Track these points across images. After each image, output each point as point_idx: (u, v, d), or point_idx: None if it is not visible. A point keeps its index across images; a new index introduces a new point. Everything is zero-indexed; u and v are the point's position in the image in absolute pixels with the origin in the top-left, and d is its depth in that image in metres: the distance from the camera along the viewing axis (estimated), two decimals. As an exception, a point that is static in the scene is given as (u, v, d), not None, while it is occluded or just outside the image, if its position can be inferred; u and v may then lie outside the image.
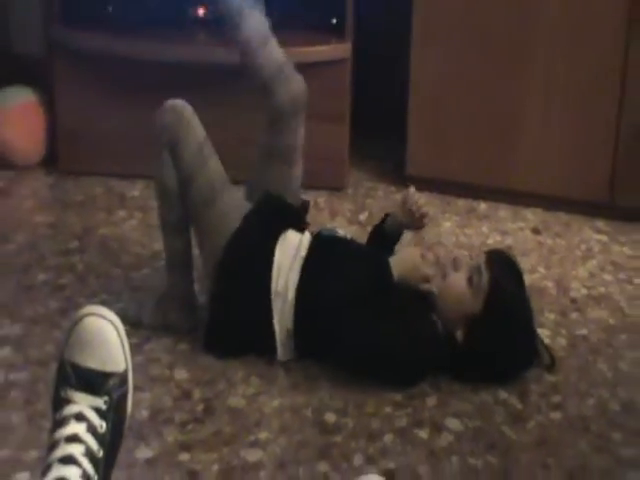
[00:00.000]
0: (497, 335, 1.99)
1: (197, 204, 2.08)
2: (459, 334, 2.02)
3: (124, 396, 1.44)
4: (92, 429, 1.37)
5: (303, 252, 2.09)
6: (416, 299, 2.06)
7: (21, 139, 2.99)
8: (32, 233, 2.64)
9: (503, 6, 2.70)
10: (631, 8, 2.60)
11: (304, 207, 2.26)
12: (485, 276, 1.99)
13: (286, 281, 2.04)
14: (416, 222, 2.18)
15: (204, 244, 2.12)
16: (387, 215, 2.23)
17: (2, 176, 2.96)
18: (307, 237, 2.14)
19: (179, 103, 2.11)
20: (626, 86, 2.68)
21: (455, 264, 2.05)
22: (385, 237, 2.22)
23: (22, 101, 3.01)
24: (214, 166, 2.10)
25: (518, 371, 2.07)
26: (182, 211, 2.10)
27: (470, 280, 2.00)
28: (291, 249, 2.09)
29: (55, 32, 2.92)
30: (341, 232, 2.23)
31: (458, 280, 2.02)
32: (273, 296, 2.04)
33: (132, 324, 2.03)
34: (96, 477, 1.34)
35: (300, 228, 2.16)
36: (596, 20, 2.65)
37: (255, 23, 2.14)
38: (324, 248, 2.12)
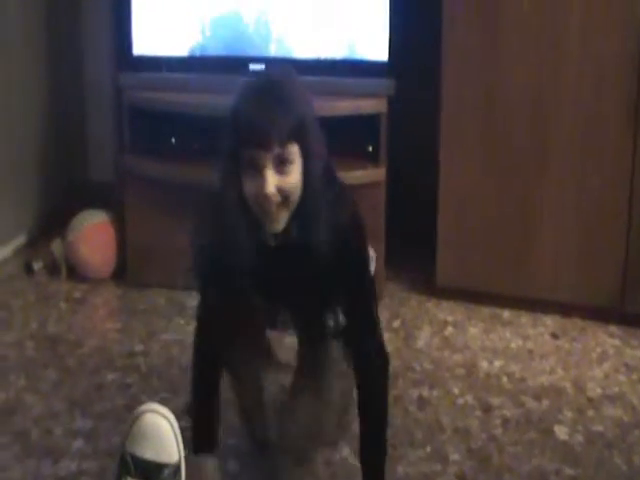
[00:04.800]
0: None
1: None
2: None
3: (177, 484, 1.45)
4: (149, 514, 1.38)
5: None
6: None
7: (95, 255, 3.05)
8: (103, 338, 2.68)
9: (519, 127, 2.73)
10: (636, 134, 2.63)
11: None
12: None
13: None
14: None
15: None
16: None
17: (78, 287, 3.01)
18: None
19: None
20: (633, 201, 2.67)
21: None
22: None
23: (96, 221, 3.07)
24: None
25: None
26: None
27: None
28: None
29: (126, 161, 3.00)
30: None
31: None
32: None
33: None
34: None
35: None
36: (604, 135, 2.66)
37: None
38: None
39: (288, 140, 1.66)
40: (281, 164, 1.66)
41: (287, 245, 1.76)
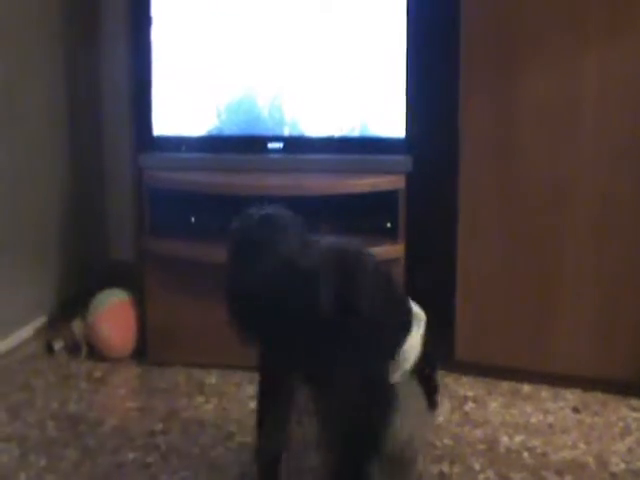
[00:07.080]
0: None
1: None
2: None
3: None
4: None
5: None
6: None
7: (116, 334, 3.08)
8: (123, 417, 2.70)
9: (537, 204, 2.78)
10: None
11: None
12: None
13: None
14: None
15: None
16: None
17: (99, 367, 3.04)
18: None
19: None
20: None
21: None
22: None
23: (116, 301, 3.12)
24: None
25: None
26: None
27: None
28: None
29: (146, 240, 3.04)
30: None
31: None
32: None
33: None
34: None
35: None
36: (621, 211, 2.70)
37: None
38: None
39: None
40: None
41: None
